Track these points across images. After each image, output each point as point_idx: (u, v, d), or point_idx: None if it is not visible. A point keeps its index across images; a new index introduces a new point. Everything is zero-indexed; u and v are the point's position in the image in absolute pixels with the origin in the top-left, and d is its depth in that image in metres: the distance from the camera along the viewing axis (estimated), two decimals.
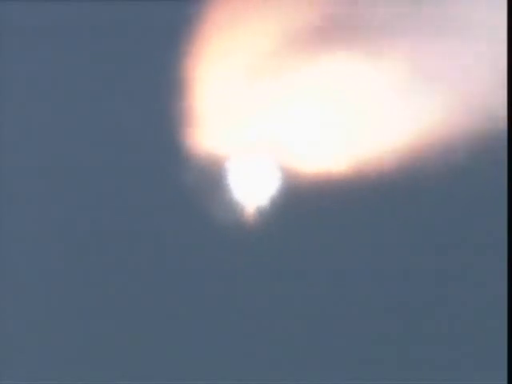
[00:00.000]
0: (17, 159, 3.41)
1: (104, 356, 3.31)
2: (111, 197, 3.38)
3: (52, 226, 3.39)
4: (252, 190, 3.38)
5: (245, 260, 3.33)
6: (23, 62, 3.41)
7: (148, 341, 3.30)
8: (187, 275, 3.34)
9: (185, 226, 3.36)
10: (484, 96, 3.23)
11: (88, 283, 3.36)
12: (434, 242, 3.30)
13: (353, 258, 3.32)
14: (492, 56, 3.23)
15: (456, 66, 3.26)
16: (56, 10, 3.38)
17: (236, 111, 3.34)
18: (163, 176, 3.37)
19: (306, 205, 3.31)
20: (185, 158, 3.33)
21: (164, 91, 3.37)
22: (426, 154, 3.26)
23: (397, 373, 3.23)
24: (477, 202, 3.27)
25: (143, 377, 3.28)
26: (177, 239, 3.38)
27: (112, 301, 3.33)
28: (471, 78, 3.24)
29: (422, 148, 3.26)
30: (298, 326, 3.31)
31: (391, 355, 3.26)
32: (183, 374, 3.26)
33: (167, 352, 3.29)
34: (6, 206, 3.37)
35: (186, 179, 3.33)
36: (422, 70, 3.28)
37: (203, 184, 3.33)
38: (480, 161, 3.24)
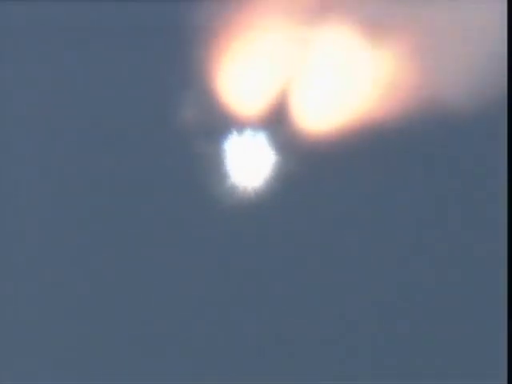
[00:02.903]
0: (17, 158, 3.42)
1: (105, 355, 3.31)
2: (109, 175, 3.39)
3: (49, 212, 3.40)
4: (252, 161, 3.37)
5: (246, 233, 3.33)
6: (23, 62, 3.42)
7: (150, 329, 3.31)
8: (185, 253, 3.34)
9: (186, 200, 3.36)
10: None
11: (87, 269, 3.36)
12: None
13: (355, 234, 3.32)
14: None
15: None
16: (56, 10, 3.40)
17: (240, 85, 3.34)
18: (165, 150, 3.37)
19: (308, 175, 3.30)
20: (185, 130, 3.33)
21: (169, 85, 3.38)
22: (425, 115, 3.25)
23: (395, 371, 3.24)
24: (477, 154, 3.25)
25: (144, 376, 3.29)
26: (177, 215, 3.37)
27: (112, 286, 3.33)
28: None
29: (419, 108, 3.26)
30: (298, 307, 3.31)
31: (389, 350, 3.26)
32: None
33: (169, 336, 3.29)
34: (5, 207, 3.38)
35: (187, 151, 3.33)
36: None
37: (203, 159, 3.33)
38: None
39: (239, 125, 3.34)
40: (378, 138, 3.24)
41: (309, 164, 3.26)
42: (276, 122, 3.31)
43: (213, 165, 3.33)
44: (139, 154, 3.37)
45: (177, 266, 3.33)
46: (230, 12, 3.26)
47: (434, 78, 3.27)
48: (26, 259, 3.35)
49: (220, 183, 3.30)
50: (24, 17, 3.39)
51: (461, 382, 3.19)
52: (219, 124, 3.33)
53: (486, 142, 3.29)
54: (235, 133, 3.35)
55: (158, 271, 3.33)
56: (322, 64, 3.30)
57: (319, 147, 3.25)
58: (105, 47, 3.37)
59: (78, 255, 3.34)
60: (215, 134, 3.34)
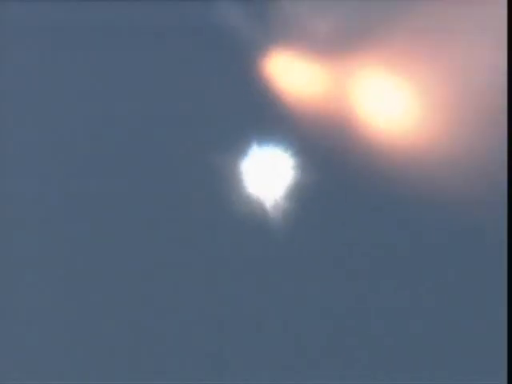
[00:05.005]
0: (17, 158, 3.42)
1: (106, 354, 3.31)
2: (123, 184, 3.38)
3: (52, 212, 3.39)
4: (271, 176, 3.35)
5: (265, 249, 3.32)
6: (23, 62, 3.42)
7: (152, 336, 3.31)
8: (198, 265, 3.33)
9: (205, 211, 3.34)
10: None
11: (90, 279, 3.36)
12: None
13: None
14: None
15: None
16: (57, 10, 3.39)
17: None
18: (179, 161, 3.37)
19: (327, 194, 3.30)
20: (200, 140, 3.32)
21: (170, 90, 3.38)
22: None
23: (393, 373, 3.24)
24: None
25: (146, 376, 3.29)
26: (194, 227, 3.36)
27: (118, 290, 3.33)
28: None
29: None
30: (312, 322, 3.31)
31: (388, 354, 3.27)
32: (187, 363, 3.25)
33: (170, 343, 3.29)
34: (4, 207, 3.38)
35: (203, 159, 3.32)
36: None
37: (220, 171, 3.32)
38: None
39: (256, 134, 3.33)
40: (391, 152, 3.24)
41: (325, 176, 3.26)
42: (295, 133, 3.30)
43: (229, 175, 3.32)
44: (149, 160, 3.37)
45: (186, 275, 3.32)
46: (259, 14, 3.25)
47: (432, 81, 3.28)
48: (26, 260, 3.35)
49: (236, 194, 3.29)
50: (24, 17, 3.39)
51: (461, 381, 3.20)
52: (235, 134, 3.33)
53: (486, 141, 3.29)
54: (252, 142, 3.34)
55: (167, 279, 3.33)
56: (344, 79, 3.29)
57: (338, 160, 3.25)
58: (112, 48, 3.38)
59: (81, 266, 3.34)
60: (231, 143, 3.34)
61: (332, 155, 3.25)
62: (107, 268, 3.30)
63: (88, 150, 3.34)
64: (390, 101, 3.27)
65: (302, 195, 3.27)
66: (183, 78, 3.34)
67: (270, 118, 3.28)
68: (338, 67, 3.27)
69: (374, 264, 3.24)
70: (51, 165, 3.35)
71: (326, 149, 3.25)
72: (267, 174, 3.29)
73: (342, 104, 3.26)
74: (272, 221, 3.21)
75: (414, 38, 3.25)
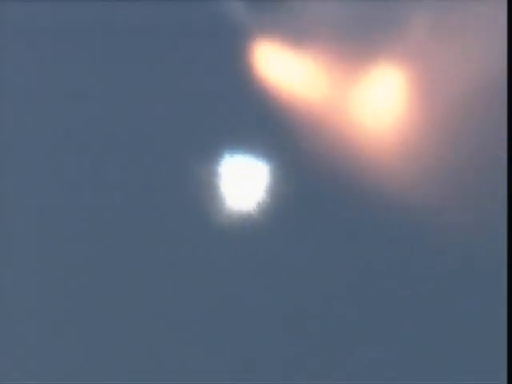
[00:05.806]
0: (17, 158, 3.42)
1: (106, 354, 3.32)
2: (108, 189, 3.39)
3: (49, 215, 3.40)
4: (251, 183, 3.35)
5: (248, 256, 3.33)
6: (23, 62, 3.42)
7: (143, 338, 3.31)
8: (182, 271, 3.34)
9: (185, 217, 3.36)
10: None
11: (91, 278, 3.37)
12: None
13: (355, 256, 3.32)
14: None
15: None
16: (57, 10, 3.40)
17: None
18: (165, 169, 3.37)
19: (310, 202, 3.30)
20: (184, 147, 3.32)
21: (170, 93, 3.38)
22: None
23: (394, 372, 3.24)
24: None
25: (146, 376, 3.29)
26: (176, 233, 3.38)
27: (109, 295, 3.33)
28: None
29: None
30: (294, 326, 3.32)
31: (388, 354, 3.27)
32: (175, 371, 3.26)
33: (160, 348, 3.30)
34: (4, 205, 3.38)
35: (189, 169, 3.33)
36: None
37: (204, 177, 3.33)
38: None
39: (241, 144, 3.34)
40: (382, 155, 3.24)
41: (311, 185, 3.26)
42: (281, 143, 3.30)
43: (212, 185, 3.33)
44: (148, 160, 3.37)
45: (171, 286, 3.33)
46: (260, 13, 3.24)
47: (432, 79, 3.28)
48: (26, 260, 3.35)
49: (219, 202, 3.30)
50: (24, 17, 3.39)
51: (461, 381, 3.20)
52: (219, 142, 3.33)
53: (486, 140, 3.30)
54: (236, 151, 3.34)
55: (151, 289, 3.34)
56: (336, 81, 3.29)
57: (324, 168, 3.25)
58: (112, 48, 3.38)
59: (81, 266, 3.35)
60: (215, 151, 3.34)
61: (325, 161, 3.26)
62: (108, 267, 3.30)
63: (88, 151, 3.34)
64: (391, 104, 3.27)
65: (288, 202, 3.27)
66: (183, 79, 3.35)
67: (268, 120, 3.28)
68: (338, 68, 3.27)
69: (356, 273, 3.25)
70: (51, 165, 3.35)
71: (317, 154, 3.25)
72: (248, 179, 3.29)
73: (340, 106, 3.27)
74: (252, 227, 3.22)
75: (422, 37, 3.26)
